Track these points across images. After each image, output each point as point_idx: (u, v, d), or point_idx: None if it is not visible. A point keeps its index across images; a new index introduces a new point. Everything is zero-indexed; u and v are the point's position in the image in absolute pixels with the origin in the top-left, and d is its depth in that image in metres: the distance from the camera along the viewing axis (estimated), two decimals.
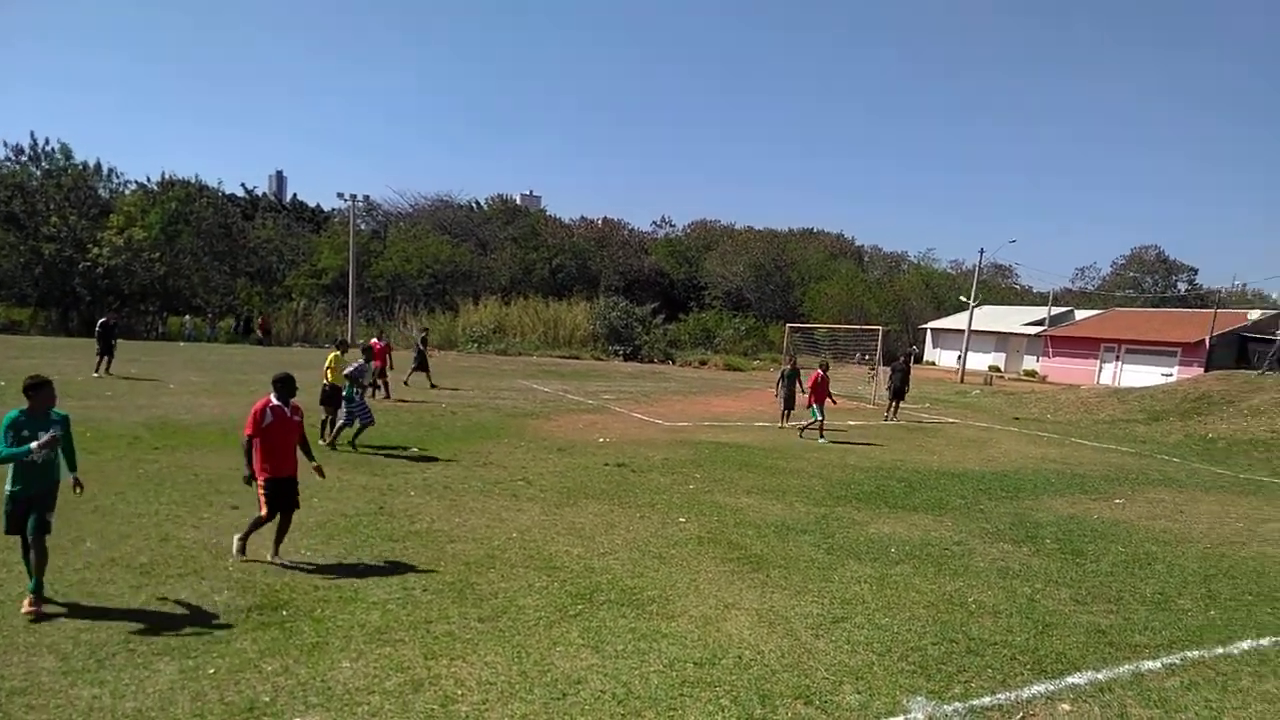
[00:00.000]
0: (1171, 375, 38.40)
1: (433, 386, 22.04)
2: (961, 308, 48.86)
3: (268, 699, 4.74)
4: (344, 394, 12.90)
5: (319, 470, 7.59)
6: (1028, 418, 24.27)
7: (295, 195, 74.64)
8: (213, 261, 43.66)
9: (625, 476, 11.93)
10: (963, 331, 46.20)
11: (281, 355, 30.92)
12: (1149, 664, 6.03)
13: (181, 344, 36.12)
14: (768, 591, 7.15)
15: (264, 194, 69.04)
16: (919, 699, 5.23)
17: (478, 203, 65.48)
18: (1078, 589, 7.78)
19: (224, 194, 49.70)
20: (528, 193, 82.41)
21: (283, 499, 7.08)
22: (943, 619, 6.70)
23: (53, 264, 37.71)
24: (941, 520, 10.37)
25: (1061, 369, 46.12)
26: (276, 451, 7.03)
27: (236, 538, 7.18)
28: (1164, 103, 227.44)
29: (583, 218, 66.46)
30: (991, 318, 53.10)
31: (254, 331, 41.03)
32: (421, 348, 23.18)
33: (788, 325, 34.77)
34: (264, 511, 6.99)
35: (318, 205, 65.92)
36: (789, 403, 18.75)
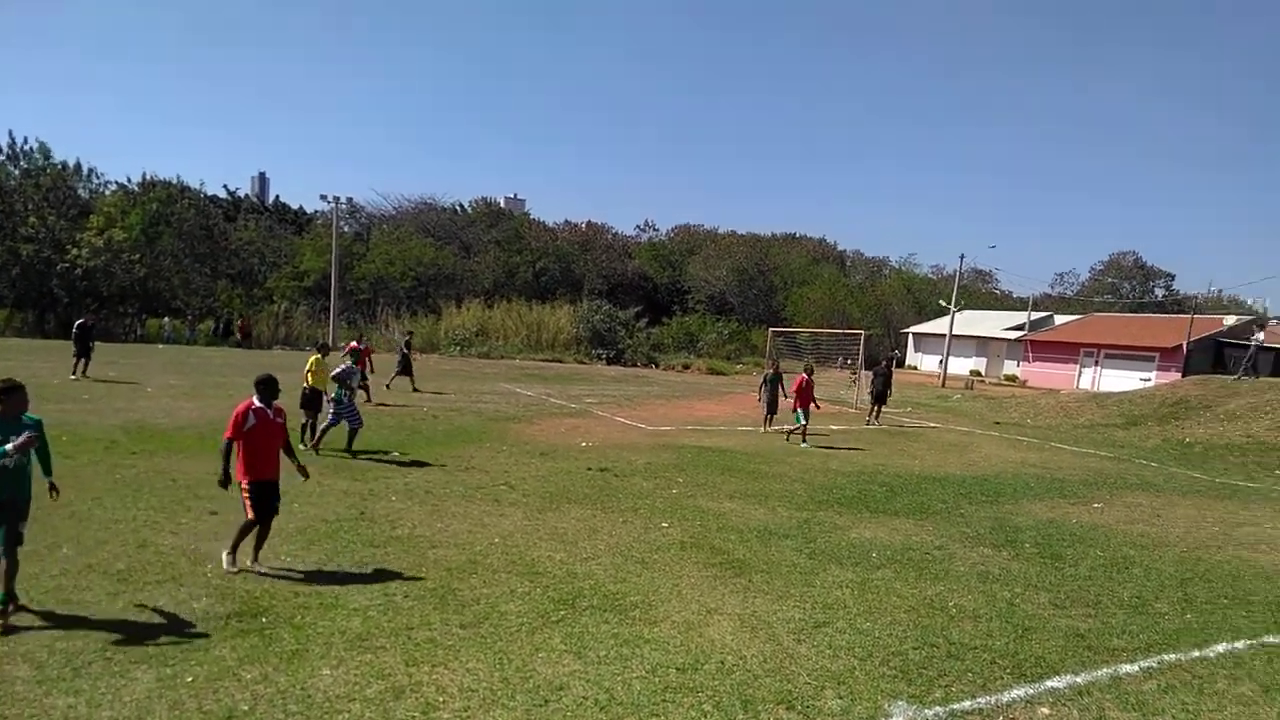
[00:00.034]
0: (1149, 380, 38.81)
1: (415, 390, 21.95)
2: (943, 312, 49.23)
3: (246, 707, 4.70)
4: (332, 396, 12.84)
5: (303, 471, 7.49)
6: (1008, 422, 24.46)
7: (278, 197, 74.06)
8: (193, 263, 43.32)
9: (608, 481, 11.92)
10: (944, 336, 46.58)
11: (262, 358, 30.65)
12: (1127, 667, 6.09)
13: (160, 346, 35.77)
14: (750, 596, 7.16)
15: (246, 195, 68.57)
16: (900, 703, 5.25)
17: (461, 205, 65.38)
18: (1057, 593, 7.84)
19: (206, 195, 49.44)
20: (512, 195, 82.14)
21: (266, 502, 7.00)
22: (924, 623, 6.74)
23: (30, 265, 37.25)
24: (923, 525, 10.43)
25: (1041, 374, 46.54)
26: (259, 454, 6.95)
27: (225, 553, 6.97)
28: (1146, 106, 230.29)
29: (566, 221, 66.55)
30: (972, 322, 53.51)
31: (234, 334, 40.70)
32: (406, 351, 23.08)
33: (771, 329, 34.85)
34: (251, 515, 6.85)
35: (300, 207, 65.64)
36: (772, 407, 18.82)
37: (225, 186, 61.50)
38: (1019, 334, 50.17)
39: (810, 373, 17.60)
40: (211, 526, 8.13)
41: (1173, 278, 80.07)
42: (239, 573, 6.83)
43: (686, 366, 41.55)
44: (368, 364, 19.44)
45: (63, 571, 6.63)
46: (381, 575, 7.09)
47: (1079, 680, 5.79)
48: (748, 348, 48.09)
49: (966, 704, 5.32)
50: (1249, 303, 65.21)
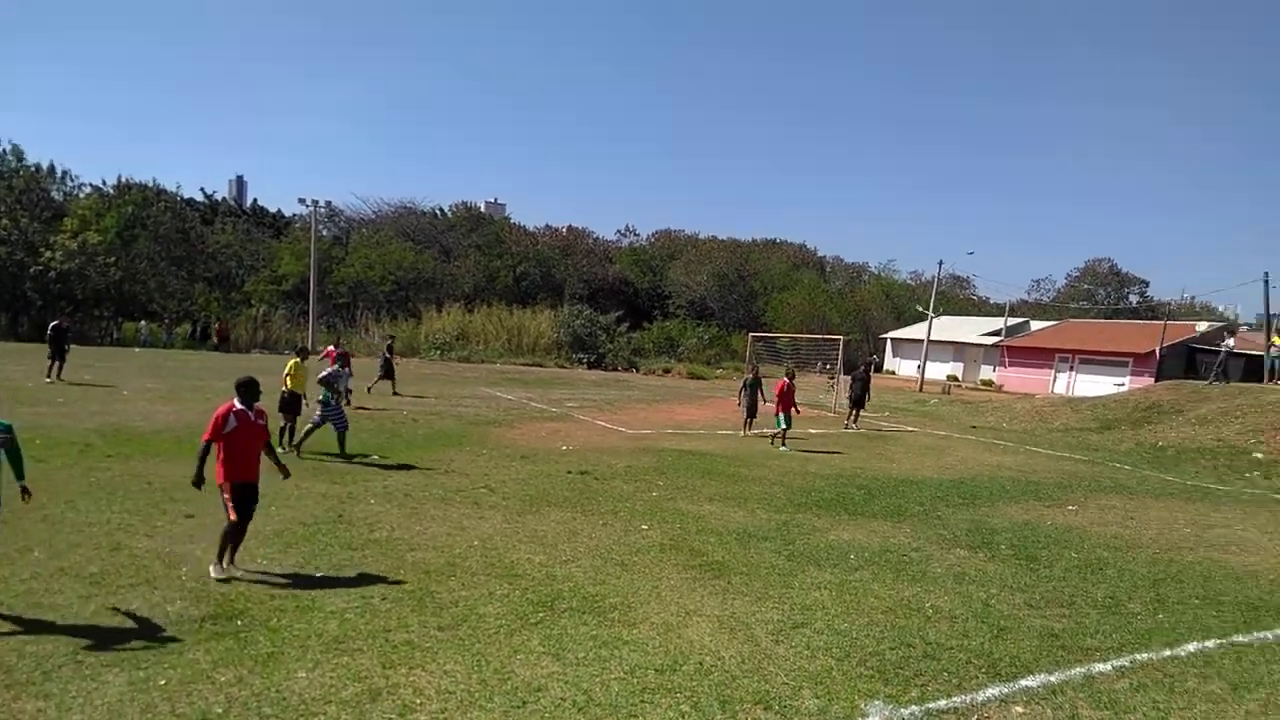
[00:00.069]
0: (1123, 385, 39.32)
1: (395, 394, 21.84)
2: (921, 318, 49.66)
3: (220, 710, 4.66)
4: (320, 399, 12.79)
5: (284, 470, 7.46)
6: (984, 426, 24.67)
7: (256, 200, 73.33)
8: (170, 266, 42.85)
9: (588, 484, 11.92)
10: (922, 341, 46.96)
11: (240, 362, 30.36)
12: (1100, 666, 6.17)
13: (137, 350, 35.33)
14: (729, 598, 7.19)
15: (224, 199, 67.96)
16: (877, 703, 5.29)
17: (441, 210, 65.10)
18: (1031, 594, 7.93)
19: (182, 198, 48.88)
20: (492, 200, 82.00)
21: (245, 504, 6.94)
22: (900, 624, 6.79)
23: (2, 267, 36.72)
24: (900, 527, 10.51)
25: (1017, 378, 47.00)
26: (239, 456, 6.89)
27: (212, 564, 6.86)
28: (1124, 115, 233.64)
29: (547, 226, 66.44)
30: (950, 328, 54.00)
31: (211, 338, 40.31)
32: (388, 355, 22.95)
33: (751, 334, 35.09)
34: (233, 516, 6.75)
35: (279, 211, 64.94)
36: (751, 411, 18.89)
37: (202, 190, 60.94)
38: (996, 339, 50.69)
39: (792, 377, 17.70)
40: (187, 530, 8.05)
41: (1147, 284, 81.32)
42: (228, 581, 6.72)
43: (667, 371, 41.63)
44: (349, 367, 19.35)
45: (34, 575, 6.54)
46: (359, 578, 7.06)
47: (1053, 679, 5.86)
48: (728, 352, 48.23)
49: (942, 703, 5.37)
50: (1221, 309, 66.14)
